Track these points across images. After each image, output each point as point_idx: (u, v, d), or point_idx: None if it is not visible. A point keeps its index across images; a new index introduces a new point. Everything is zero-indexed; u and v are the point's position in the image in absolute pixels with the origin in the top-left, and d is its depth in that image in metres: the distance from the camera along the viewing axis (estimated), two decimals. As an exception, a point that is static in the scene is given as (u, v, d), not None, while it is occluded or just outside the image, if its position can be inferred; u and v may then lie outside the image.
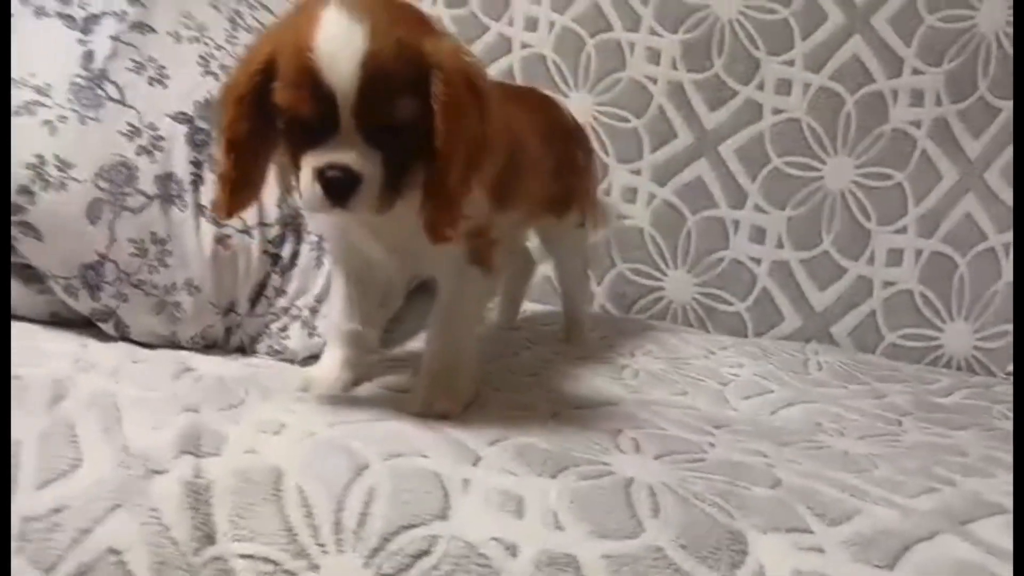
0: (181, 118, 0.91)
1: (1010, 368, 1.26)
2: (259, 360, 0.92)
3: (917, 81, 1.33)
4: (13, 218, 0.84)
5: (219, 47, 0.96)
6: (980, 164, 1.31)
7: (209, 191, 0.90)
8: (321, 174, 0.69)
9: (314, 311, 0.93)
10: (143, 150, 0.88)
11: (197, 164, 0.90)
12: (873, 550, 0.62)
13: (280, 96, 0.70)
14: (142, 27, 0.92)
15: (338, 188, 0.69)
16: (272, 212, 0.93)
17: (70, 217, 0.84)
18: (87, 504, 0.65)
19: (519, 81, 1.36)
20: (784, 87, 1.36)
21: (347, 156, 0.69)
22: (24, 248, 0.85)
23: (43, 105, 0.85)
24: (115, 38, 0.90)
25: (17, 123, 0.84)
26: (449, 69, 0.70)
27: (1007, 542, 0.64)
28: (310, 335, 0.93)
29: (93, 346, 0.86)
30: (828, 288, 1.34)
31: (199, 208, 0.89)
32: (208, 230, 0.89)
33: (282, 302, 0.93)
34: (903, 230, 1.33)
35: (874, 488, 0.72)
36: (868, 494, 0.70)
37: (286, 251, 0.94)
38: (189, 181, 0.89)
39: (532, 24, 1.39)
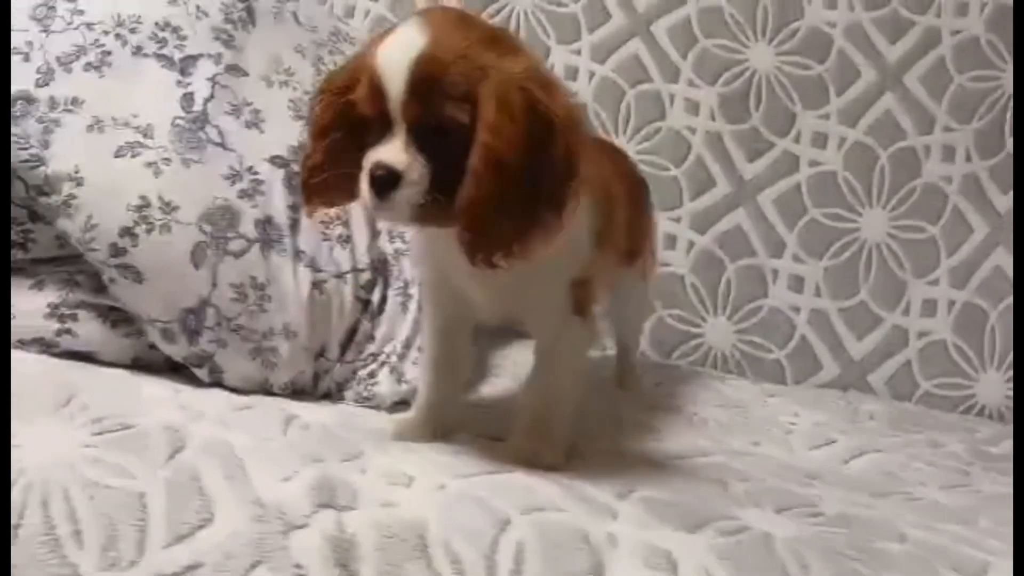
0: (278, 162, 0.90)
1: (1041, 417, 1.31)
2: (349, 407, 0.91)
3: (948, 138, 1.38)
4: (112, 260, 0.82)
5: (306, 92, 0.96)
6: (1009, 219, 1.36)
7: (306, 236, 0.90)
8: (370, 172, 0.71)
9: (402, 357, 0.93)
10: (244, 194, 0.87)
11: (294, 208, 0.90)
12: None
13: (355, 94, 0.73)
14: (236, 70, 0.92)
15: (381, 186, 0.70)
16: (363, 258, 0.93)
17: (174, 260, 0.82)
18: (225, 560, 0.63)
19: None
20: (820, 140, 1.40)
21: (391, 154, 0.70)
22: (120, 291, 0.83)
23: (146, 147, 0.84)
24: (212, 80, 0.89)
25: (120, 164, 0.83)
26: (501, 82, 0.70)
27: None
28: (398, 381, 0.92)
29: (187, 392, 0.84)
30: (865, 337, 1.37)
31: (297, 253, 0.89)
32: (305, 275, 0.88)
33: (371, 348, 0.92)
34: (936, 282, 1.37)
35: (988, 540, 0.74)
36: (983, 546, 0.72)
37: (376, 296, 0.93)
38: (288, 225, 0.89)
39: (572, 74, 1.42)
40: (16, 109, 0.81)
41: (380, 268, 0.94)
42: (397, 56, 0.71)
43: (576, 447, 0.85)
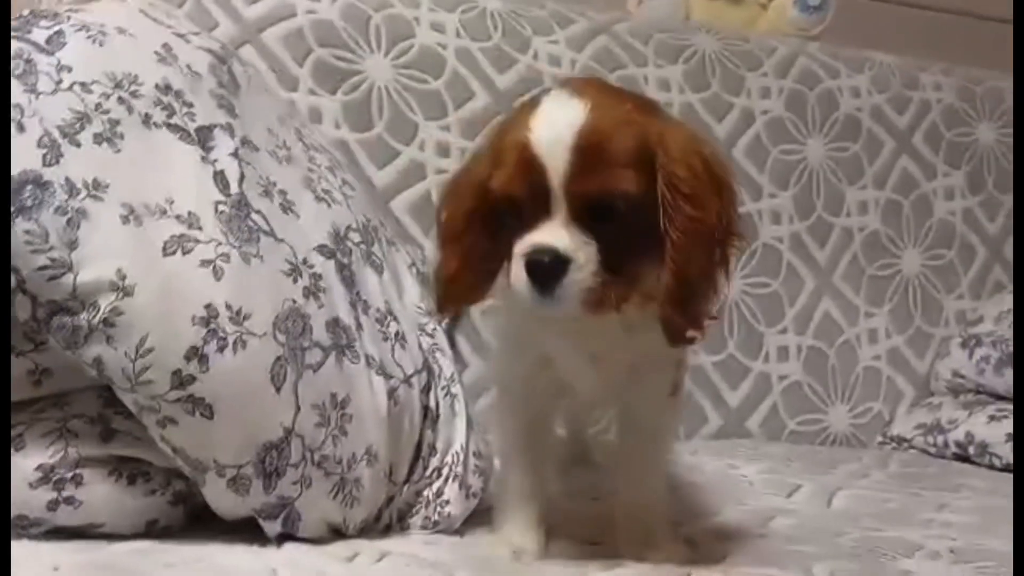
0: (326, 251, 0.75)
1: (880, 438, 1.51)
2: (422, 536, 0.77)
3: (773, 204, 1.56)
4: (173, 394, 0.61)
5: (309, 169, 0.81)
6: (828, 270, 1.57)
7: (370, 337, 0.75)
8: (528, 259, 0.63)
9: (466, 466, 0.81)
10: (308, 292, 0.71)
11: (353, 305, 0.75)
12: None
13: (496, 181, 0.65)
14: (249, 144, 0.75)
15: (544, 274, 0.62)
16: (418, 356, 0.80)
17: (254, 383, 0.64)
18: None
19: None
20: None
21: (554, 237, 0.63)
22: (180, 434, 0.62)
23: (197, 240, 0.65)
24: (236, 156, 0.72)
25: (172, 266, 0.63)
26: (678, 148, 0.65)
27: None
28: (467, 496, 0.80)
29: (273, 555, 0.65)
30: (739, 387, 1.48)
31: (367, 359, 0.74)
32: (380, 384, 0.74)
33: (435, 462, 0.79)
34: (785, 330, 1.53)
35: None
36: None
37: (432, 401, 0.81)
38: (355, 327, 0.73)
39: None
40: (26, 197, 0.58)
41: (429, 367, 0.82)
42: (557, 127, 0.64)
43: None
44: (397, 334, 0.78)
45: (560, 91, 0.67)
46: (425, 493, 0.78)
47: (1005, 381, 1.39)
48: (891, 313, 1.59)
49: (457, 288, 0.68)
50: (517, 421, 0.77)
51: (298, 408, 0.67)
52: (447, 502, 0.79)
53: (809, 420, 1.50)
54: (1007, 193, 1.72)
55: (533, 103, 0.67)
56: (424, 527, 0.78)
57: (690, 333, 0.67)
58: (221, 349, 0.63)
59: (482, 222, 0.67)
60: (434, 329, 0.87)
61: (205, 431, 0.63)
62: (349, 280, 0.75)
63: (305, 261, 0.72)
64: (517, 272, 0.64)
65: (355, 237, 0.80)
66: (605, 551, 0.76)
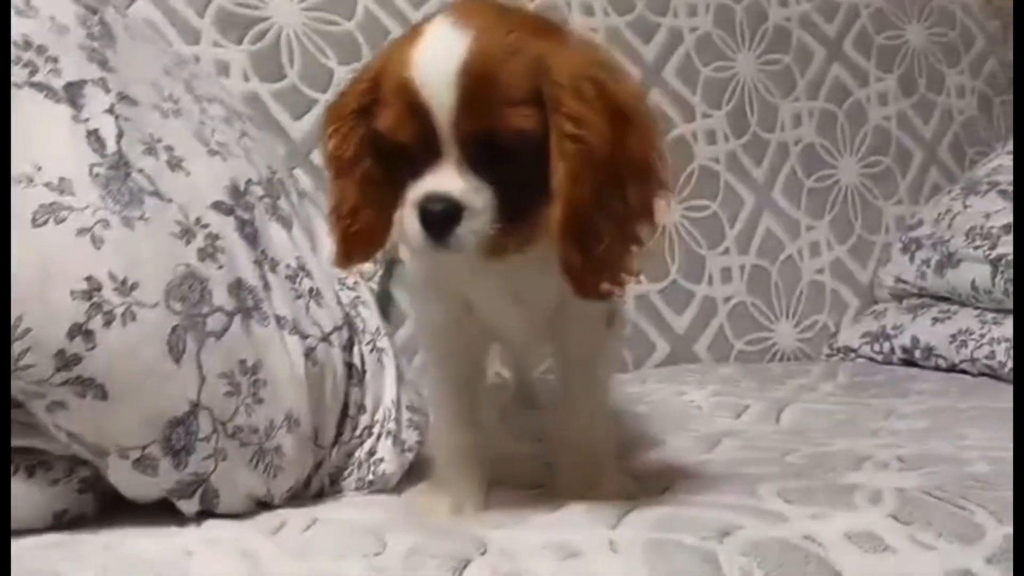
0: (223, 208, 0.69)
1: (827, 350, 1.51)
2: (357, 497, 0.74)
3: (707, 124, 1.53)
4: (59, 377, 0.57)
5: (201, 122, 0.75)
6: (766, 186, 1.55)
7: (280, 295, 0.70)
8: (421, 208, 0.59)
9: (398, 421, 0.77)
10: (204, 254, 0.65)
11: (259, 264, 0.70)
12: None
13: (380, 121, 0.61)
14: (127, 99, 0.68)
15: (439, 222, 0.58)
16: (337, 313, 0.76)
17: (149, 357, 0.59)
18: None
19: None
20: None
21: (447, 183, 0.59)
22: (72, 418, 0.58)
23: (71, 208, 0.59)
24: (112, 112, 0.66)
25: (45, 236, 0.57)
26: (566, 74, 0.59)
27: None
28: (401, 451, 0.77)
29: (190, 534, 0.61)
30: (684, 312, 1.46)
31: (278, 320, 0.69)
32: (295, 345, 0.69)
33: (364, 420, 0.76)
34: (727, 251, 1.51)
35: (1007, 447, 0.83)
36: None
37: (356, 358, 0.77)
38: (261, 287, 0.69)
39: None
40: None
41: (351, 323, 0.77)
42: (439, 64, 0.58)
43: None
44: (312, 291, 0.74)
45: (443, 18, 0.61)
46: (357, 454, 0.75)
47: (947, 282, 1.39)
48: (831, 224, 1.58)
49: (358, 229, 0.63)
50: (445, 370, 0.73)
51: (203, 379, 0.62)
52: (381, 460, 0.75)
53: (756, 339, 1.50)
54: (940, 94, 1.70)
55: (416, 33, 0.61)
56: (359, 488, 0.74)
57: (604, 286, 0.62)
58: (108, 324, 0.58)
59: (374, 155, 0.62)
60: (356, 282, 0.82)
61: (100, 413, 0.58)
62: (252, 237, 0.70)
63: (199, 220, 0.67)
64: (410, 221, 0.59)
65: (257, 191, 0.75)
66: (548, 495, 0.74)
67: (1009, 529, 0.64)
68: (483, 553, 0.59)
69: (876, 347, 1.44)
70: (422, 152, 0.59)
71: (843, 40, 1.66)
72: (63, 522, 0.63)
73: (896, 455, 0.81)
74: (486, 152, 0.59)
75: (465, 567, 0.56)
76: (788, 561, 0.59)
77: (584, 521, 0.64)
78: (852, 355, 1.47)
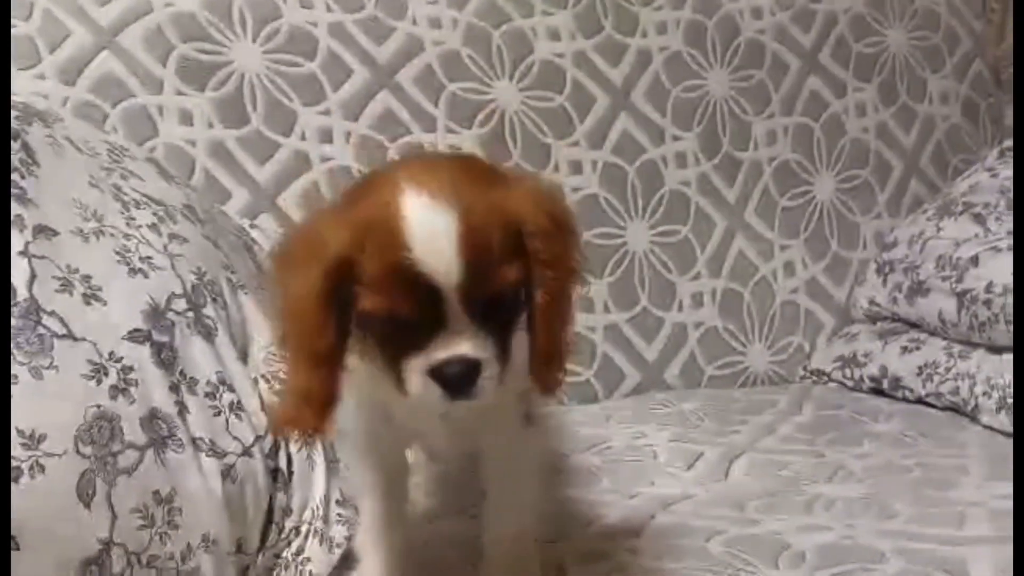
0: (139, 336, 0.72)
1: (802, 372, 1.52)
2: (285, 599, 0.77)
3: (678, 147, 1.52)
4: (-33, 533, 0.60)
5: (126, 235, 0.77)
6: (739, 208, 1.54)
7: (197, 416, 0.73)
8: (438, 372, 0.62)
9: (326, 519, 0.80)
10: (116, 391, 0.68)
11: (175, 388, 0.72)
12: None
13: (372, 302, 0.62)
14: (46, 231, 0.71)
15: (461, 383, 0.63)
16: (260, 420, 0.78)
17: (59, 506, 0.62)
18: None
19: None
20: (576, 167, 1.46)
21: (464, 347, 0.62)
22: (-13, 568, 0.61)
23: (-25, 368, 0.62)
24: (26, 254, 0.68)
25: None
26: (540, 221, 0.65)
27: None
28: (329, 549, 0.80)
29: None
30: (654, 340, 1.47)
31: (194, 443, 0.72)
32: (211, 466, 0.72)
33: (291, 522, 0.79)
34: (698, 276, 1.51)
35: (932, 529, 0.84)
36: (940, 538, 0.82)
37: (283, 461, 0.79)
38: (176, 413, 0.71)
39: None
40: None
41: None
42: (441, 244, 0.61)
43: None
44: (232, 404, 0.76)
45: (413, 189, 0.63)
46: (284, 554, 0.78)
47: (916, 311, 1.38)
48: (807, 243, 1.57)
49: (312, 405, 0.63)
50: (373, 476, 0.77)
51: (115, 517, 0.65)
52: (308, 560, 0.78)
53: (727, 363, 1.50)
54: (921, 102, 1.67)
55: (385, 204, 0.63)
56: (286, 587, 0.78)
57: (558, 380, 0.69)
58: (16, 479, 0.61)
59: (338, 312, 0.63)
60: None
61: (14, 563, 0.61)
62: (170, 362, 0.73)
63: (112, 355, 0.69)
64: (424, 386, 0.63)
65: (180, 305, 0.77)
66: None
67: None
68: None
69: (847, 373, 1.44)
70: (424, 326, 0.62)
71: (819, 50, 1.63)
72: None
73: (816, 544, 0.82)
74: (486, 309, 0.63)
75: None
76: None
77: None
78: (825, 379, 1.48)
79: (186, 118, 1.27)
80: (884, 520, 0.87)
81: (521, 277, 0.64)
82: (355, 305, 0.62)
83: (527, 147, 1.42)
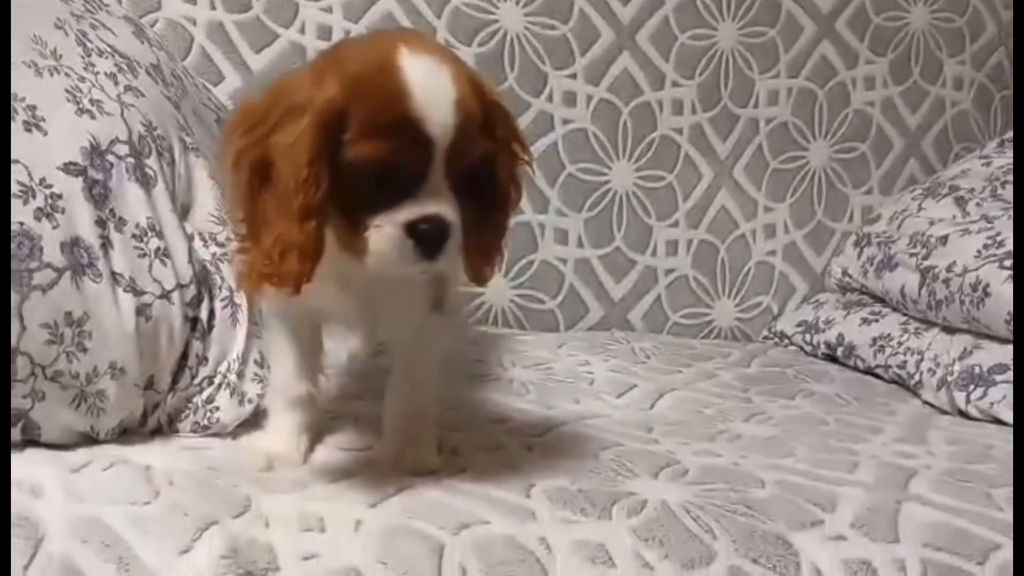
0: (73, 169, 0.75)
1: (765, 332, 1.53)
2: (190, 440, 0.81)
3: (676, 93, 1.52)
4: None
5: (81, 78, 0.81)
6: (729, 163, 1.54)
7: (121, 254, 0.77)
8: (414, 229, 0.65)
9: (240, 375, 0.84)
10: (42, 213, 0.72)
11: (102, 223, 0.76)
12: (874, 527, 0.75)
13: (362, 149, 0.65)
14: (-5, 58, 0.74)
15: (433, 242, 0.66)
16: (186, 270, 0.82)
17: (-32, 308, 0.67)
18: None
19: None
20: (570, 99, 1.47)
21: (441, 207, 0.66)
22: None
23: (-96, 168, 0.66)
24: (-29, 75, 0.72)
25: None
26: (503, 106, 0.72)
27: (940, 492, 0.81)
28: (240, 402, 0.84)
29: None
30: (622, 280, 1.49)
31: (114, 276, 0.76)
32: (128, 301, 0.76)
33: (205, 371, 0.83)
34: (676, 224, 1.52)
35: (821, 470, 0.86)
36: (824, 477, 0.84)
37: (203, 312, 0.83)
38: (99, 245, 0.75)
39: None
40: None
41: (203, 279, 0.84)
42: (442, 100, 0.65)
43: (443, 442, 0.85)
44: (158, 250, 0.80)
45: (414, 49, 0.66)
46: (195, 399, 0.82)
47: (882, 284, 1.38)
48: (792, 207, 1.57)
49: (288, 269, 0.65)
50: (281, 328, 0.81)
51: (24, 328, 0.70)
52: (217, 408, 0.82)
53: (693, 314, 1.52)
54: (933, 83, 1.65)
55: (383, 58, 0.66)
56: (194, 431, 0.82)
57: (489, 272, 0.74)
58: (-69, 277, 0.66)
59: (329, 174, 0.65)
60: (227, 238, 0.88)
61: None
62: (101, 197, 0.77)
63: (43, 181, 0.73)
64: (395, 240, 0.65)
65: (121, 150, 0.80)
66: (362, 458, 0.81)
67: (737, 561, 0.69)
68: (237, 516, 0.66)
69: (807, 338, 1.45)
70: (407, 177, 0.66)
71: (837, 17, 1.61)
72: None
73: (703, 464, 0.85)
74: (461, 179, 0.67)
75: (207, 529, 0.63)
76: (508, 562, 0.65)
77: (350, 496, 0.71)
78: (786, 342, 1.49)
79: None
80: (778, 457, 0.89)
81: (492, 152, 0.69)
82: (339, 158, 0.64)
83: (523, 72, 1.44)
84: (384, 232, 0.66)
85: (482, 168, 0.69)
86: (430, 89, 0.65)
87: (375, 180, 0.65)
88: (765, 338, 1.52)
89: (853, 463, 0.89)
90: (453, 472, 0.77)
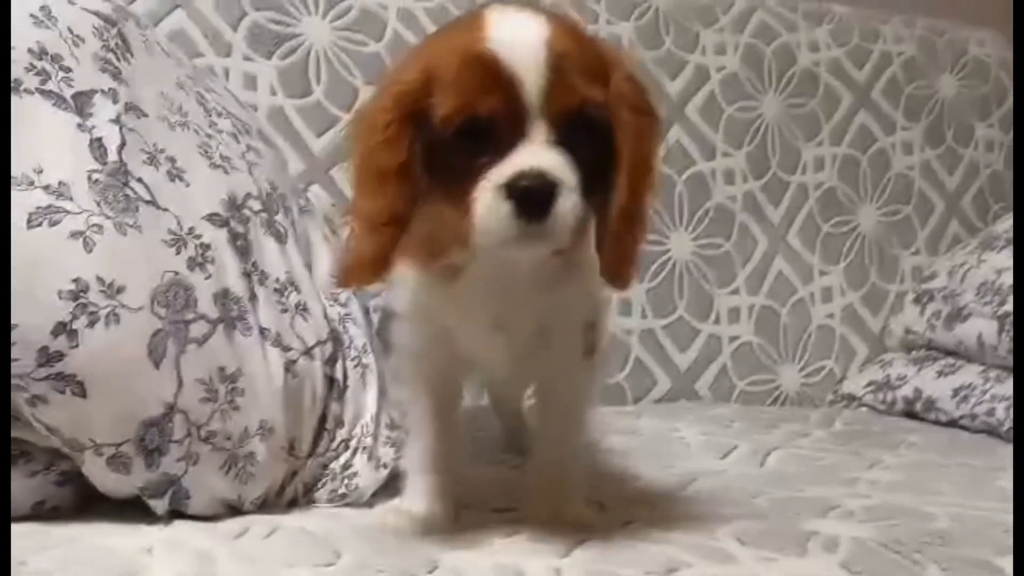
0: (217, 220, 0.73)
1: (830, 397, 1.50)
2: (325, 509, 0.76)
3: (727, 163, 1.54)
4: (41, 372, 0.60)
5: (208, 135, 0.79)
6: (782, 229, 1.55)
7: (266, 308, 0.73)
8: (511, 189, 0.56)
9: (375, 437, 0.80)
10: (194, 263, 0.69)
11: (247, 276, 0.73)
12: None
13: (447, 106, 0.57)
14: (136, 110, 0.72)
15: (534, 202, 0.55)
16: (323, 327, 0.78)
17: (129, 359, 0.62)
18: None
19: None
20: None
21: (541, 159, 0.56)
22: (52, 412, 0.61)
23: (66, 212, 0.63)
24: (118, 122, 0.69)
25: (38, 237, 0.61)
26: (631, 65, 0.62)
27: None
28: (376, 467, 0.79)
29: (157, 534, 0.64)
30: (687, 349, 1.47)
31: (262, 331, 0.72)
32: (276, 356, 0.72)
33: (342, 433, 0.78)
34: (736, 291, 1.51)
35: (980, 501, 0.83)
36: (991, 508, 0.81)
37: (339, 372, 0.79)
38: (247, 298, 0.72)
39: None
40: None
41: (337, 338, 0.80)
42: (526, 37, 0.57)
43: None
44: (298, 304, 0.76)
45: (502, 7, 0.60)
46: (332, 466, 0.77)
47: (954, 336, 1.38)
48: (846, 270, 1.58)
49: (377, 246, 0.58)
50: (422, 389, 0.75)
51: (180, 383, 0.65)
52: (355, 474, 0.77)
53: (759, 380, 1.49)
54: (967, 147, 1.69)
55: (471, 22, 0.60)
56: (331, 500, 0.77)
57: (629, 278, 0.64)
58: (92, 324, 0.61)
59: (423, 160, 0.58)
60: (348, 299, 0.85)
61: (78, 409, 0.61)
62: (244, 250, 0.74)
63: (192, 231, 0.70)
64: (494, 207, 0.56)
65: (255, 205, 0.78)
66: (514, 520, 0.76)
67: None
68: (431, 571, 0.60)
69: (879, 396, 1.43)
70: (501, 131, 0.57)
71: (872, 87, 1.66)
72: (40, 512, 0.66)
73: (864, 505, 0.81)
74: (572, 128, 0.57)
75: (408, 583, 0.58)
76: (727, 604, 0.61)
77: (537, 548, 0.66)
78: (855, 403, 1.46)
79: (251, 82, 1.29)
80: (928, 495, 0.86)
81: (604, 102, 0.59)
82: (431, 133, 0.57)
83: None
84: (482, 200, 0.57)
85: (595, 123, 0.59)
86: (511, 28, 0.58)
87: (468, 141, 0.57)
88: (832, 402, 1.50)
89: (1005, 495, 0.86)
90: (622, 523, 0.73)
